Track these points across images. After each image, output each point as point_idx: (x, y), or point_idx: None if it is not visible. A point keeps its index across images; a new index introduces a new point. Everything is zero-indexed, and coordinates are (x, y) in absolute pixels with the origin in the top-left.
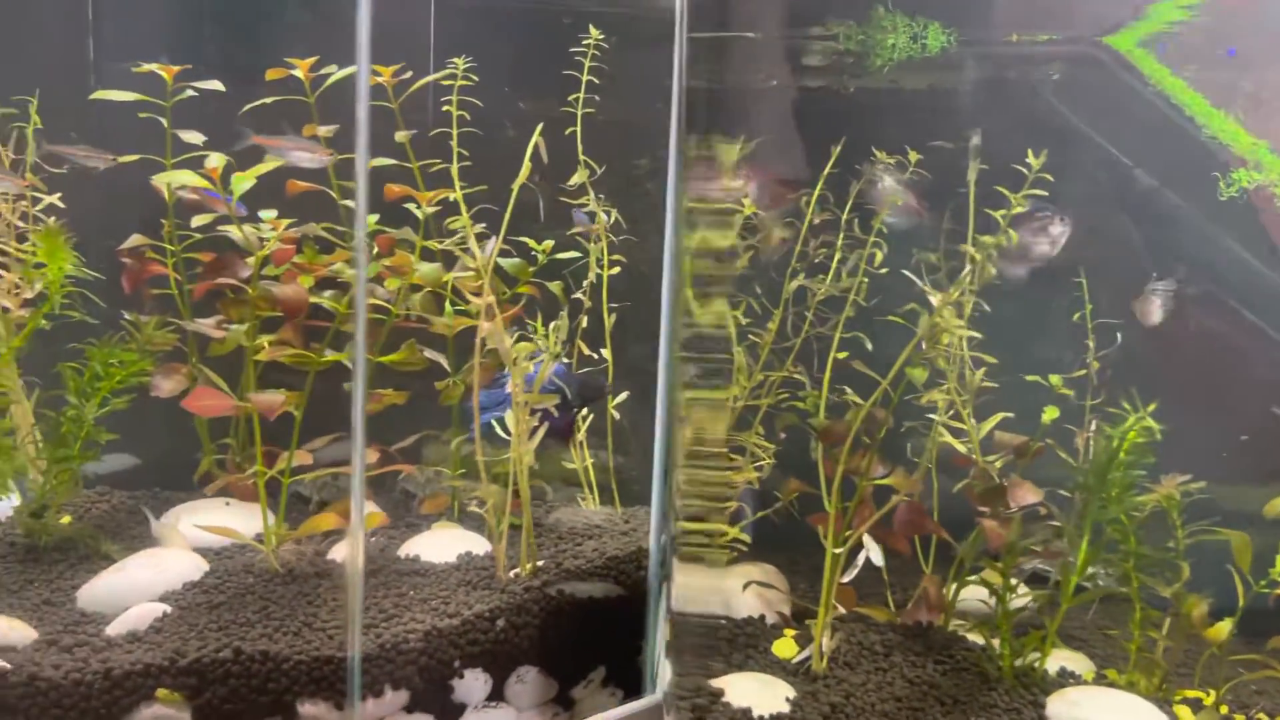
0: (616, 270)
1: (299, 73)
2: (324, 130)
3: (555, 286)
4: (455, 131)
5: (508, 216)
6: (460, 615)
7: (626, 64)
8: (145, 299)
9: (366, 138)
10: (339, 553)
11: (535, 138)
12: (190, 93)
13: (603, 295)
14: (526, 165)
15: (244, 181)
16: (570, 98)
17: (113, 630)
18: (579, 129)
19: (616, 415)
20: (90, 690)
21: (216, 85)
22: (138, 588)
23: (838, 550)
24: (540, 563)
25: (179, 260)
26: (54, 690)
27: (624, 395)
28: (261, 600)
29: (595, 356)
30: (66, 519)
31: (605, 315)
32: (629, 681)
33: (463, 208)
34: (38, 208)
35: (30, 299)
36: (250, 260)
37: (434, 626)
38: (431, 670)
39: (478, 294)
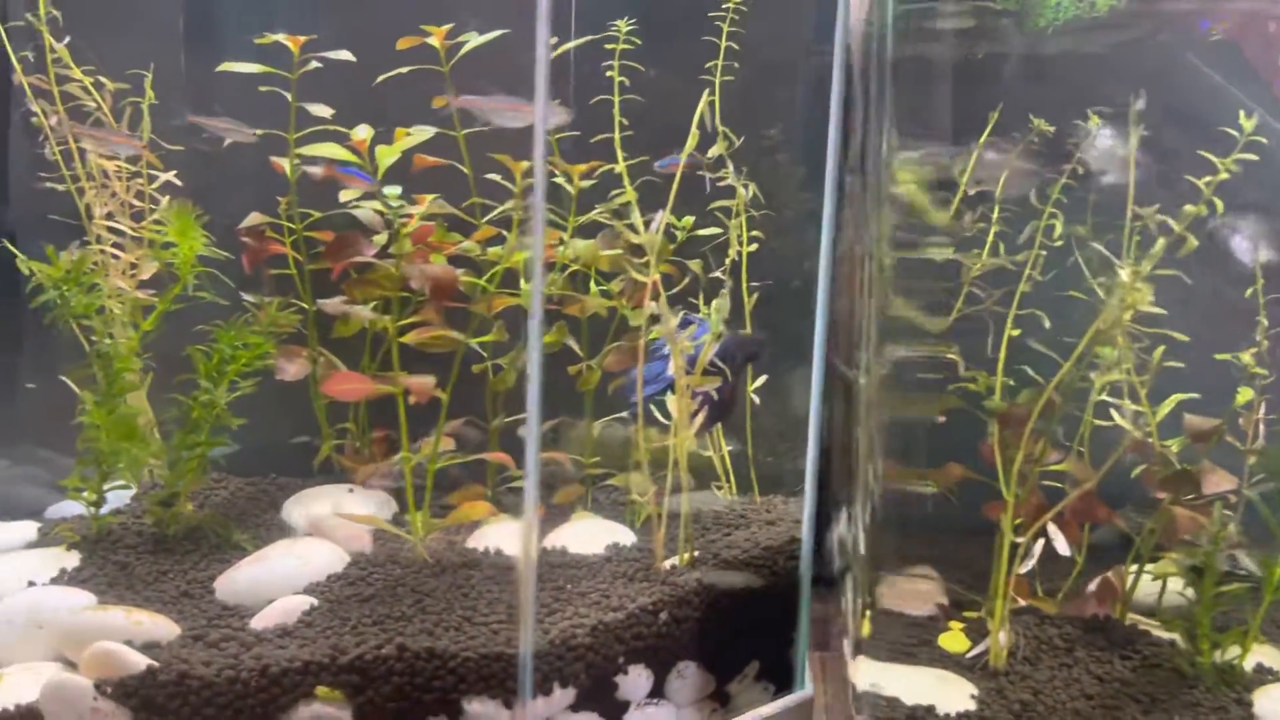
0: (755, 247)
1: (434, 41)
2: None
3: (695, 265)
4: (617, 99)
5: (674, 190)
6: (624, 609)
7: (756, 29)
8: (265, 279)
9: (544, 105)
10: (479, 542)
11: (702, 105)
12: (315, 64)
13: (742, 274)
14: (694, 134)
15: (389, 156)
16: (707, 65)
17: (258, 624)
18: (716, 98)
19: (756, 400)
20: (246, 688)
21: (346, 55)
22: (280, 579)
23: (1018, 540)
24: (695, 553)
25: (300, 239)
26: (206, 689)
27: (762, 380)
28: (414, 593)
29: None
30: (189, 507)
31: (745, 295)
32: (781, 676)
33: (626, 181)
34: (153, 185)
35: (145, 280)
36: (376, 239)
37: (600, 621)
38: (598, 666)
39: (631, 272)
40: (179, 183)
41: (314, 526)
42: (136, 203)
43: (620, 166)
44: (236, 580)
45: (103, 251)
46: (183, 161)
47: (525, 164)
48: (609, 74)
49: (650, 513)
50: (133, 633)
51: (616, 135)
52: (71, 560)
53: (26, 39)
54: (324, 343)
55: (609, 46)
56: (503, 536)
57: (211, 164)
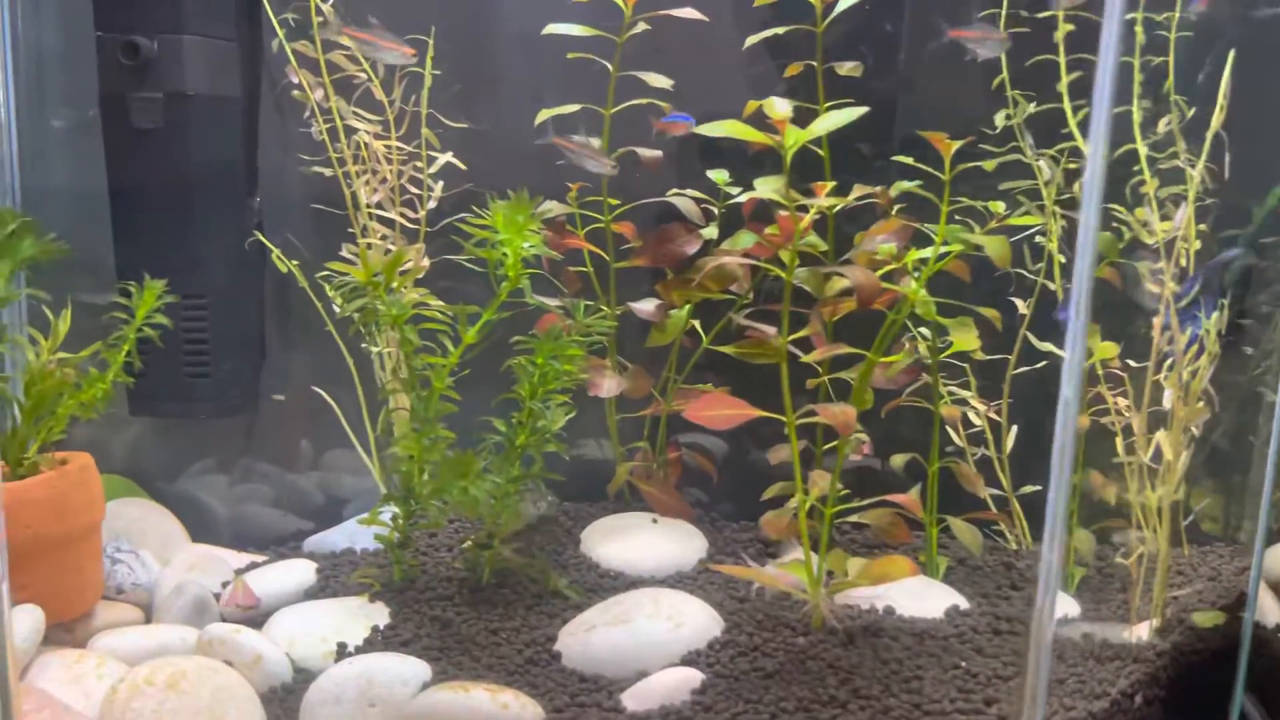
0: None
1: None
2: (847, 68)
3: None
4: (1138, 58)
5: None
6: (1107, 695)
7: None
8: (567, 279)
9: (1111, 83)
10: (852, 596)
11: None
12: (643, 27)
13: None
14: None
15: (800, 139)
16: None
17: (634, 704)
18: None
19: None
20: None
21: (692, 13)
22: (650, 646)
23: None
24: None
25: (606, 232)
26: None
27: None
28: (832, 669)
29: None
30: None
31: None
32: None
33: (1144, 165)
34: (433, 167)
35: (420, 278)
36: (705, 232)
37: (1088, 712)
38: None
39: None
40: (461, 165)
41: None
42: (411, 189)
43: (1139, 145)
44: (592, 645)
45: (370, 245)
46: (457, 140)
47: (955, 143)
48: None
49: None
50: (499, 717)
51: (1135, 109)
52: (378, 614)
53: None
54: (638, 354)
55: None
56: (897, 593)
57: (487, 142)
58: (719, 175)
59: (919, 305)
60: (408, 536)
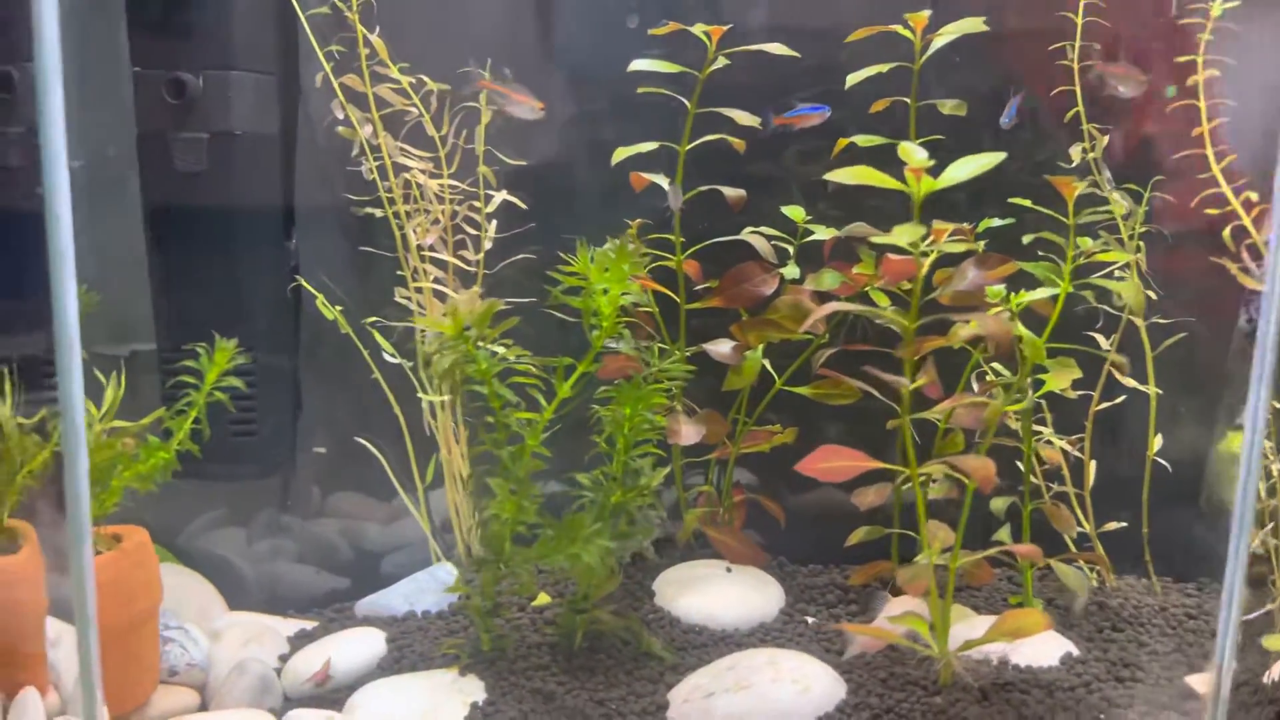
0: None
1: (910, 31)
2: (950, 105)
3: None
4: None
5: None
6: None
7: None
8: (640, 321)
9: None
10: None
11: None
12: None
13: None
14: None
15: (931, 187)
16: None
17: None
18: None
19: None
20: None
21: (778, 48)
22: (777, 712)
23: None
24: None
25: (677, 272)
26: None
27: None
28: None
29: None
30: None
31: None
32: None
33: None
34: (489, 206)
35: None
36: (787, 271)
37: None
38: None
39: None
40: (522, 204)
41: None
42: (468, 229)
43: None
44: (714, 714)
45: (419, 289)
46: (516, 179)
47: (1079, 185)
48: None
49: None
50: None
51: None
52: (472, 689)
53: (329, 29)
54: (703, 395)
55: None
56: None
57: (547, 179)
58: (795, 212)
59: (1028, 348)
60: (496, 603)
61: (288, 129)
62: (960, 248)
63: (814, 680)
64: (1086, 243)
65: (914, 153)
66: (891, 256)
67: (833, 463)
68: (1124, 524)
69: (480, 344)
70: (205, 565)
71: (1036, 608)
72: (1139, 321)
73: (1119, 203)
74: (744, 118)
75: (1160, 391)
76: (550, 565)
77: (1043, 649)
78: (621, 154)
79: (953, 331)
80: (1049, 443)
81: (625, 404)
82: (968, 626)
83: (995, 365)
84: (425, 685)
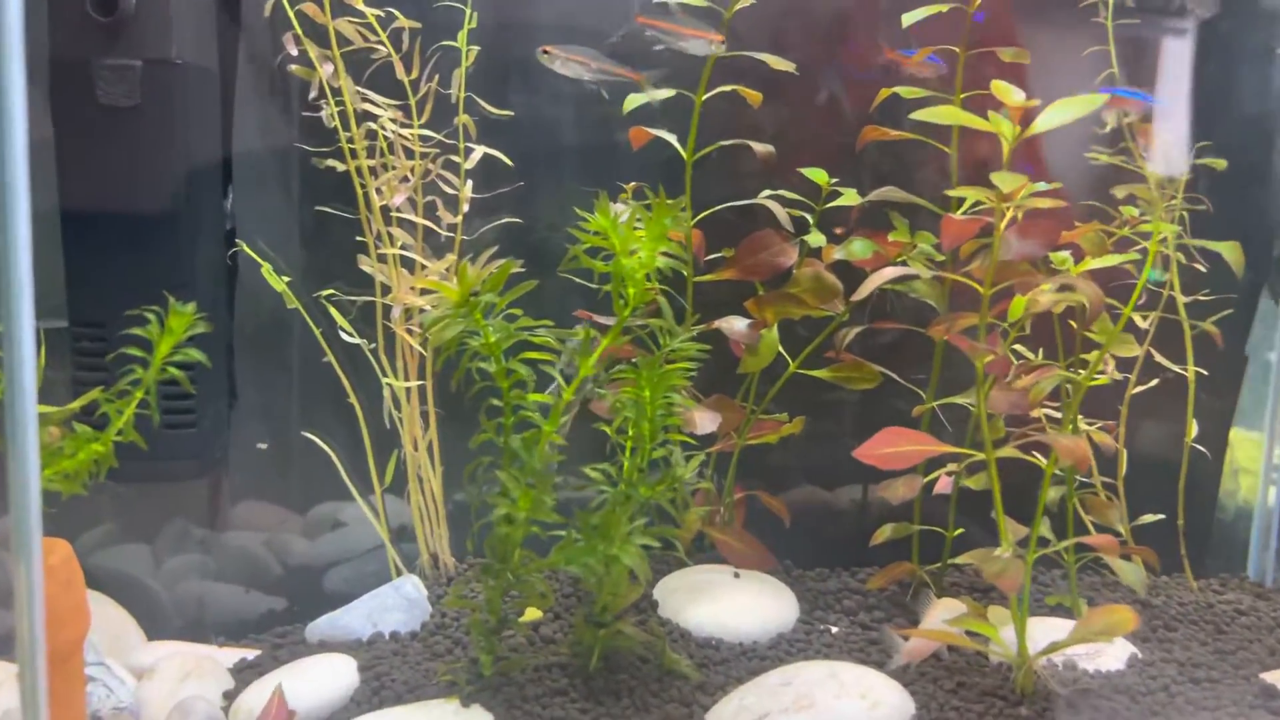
0: None
1: None
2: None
3: None
4: None
5: None
6: None
7: None
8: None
9: None
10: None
11: None
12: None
13: None
14: None
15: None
16: None
17: None
18: None
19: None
20: None
21: None
22: None
23: None
24: None
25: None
26: None
27: None
28: None
29: None
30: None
31: None
32: None
33: None
34: (469, 160)
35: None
36: (810, 238)
37: None
38: None
39: None
40: (508, 161)
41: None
42: (448, 188)
43: None
44: None
45: (381, 256)
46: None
47: None
48: None
49: None
50: None
51: None
52: None
53: None
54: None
55: None
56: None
57: (535, 135)
58: (818, 174)
59: (1096, 323)
60: (502, 618)
61: (227, 62)
62: (1046, 204)
63: (881, 694)
64: (1131, 211)
65: (1011, 92)
66: (953, 216)
67: (897, 447)
68: (1161, 516)
69: (489, 313)
70: (110, 586)
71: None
72: (1180, 297)
73: (1154, 173)
74: (778, 62)
75: (1194, 373)
76: (565, 571)
77: (1106, 652)
78: (633, 102)
79: (1033, 299)
80: (1100, 430)
81: (645, 386)
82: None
83: (1017, 347)
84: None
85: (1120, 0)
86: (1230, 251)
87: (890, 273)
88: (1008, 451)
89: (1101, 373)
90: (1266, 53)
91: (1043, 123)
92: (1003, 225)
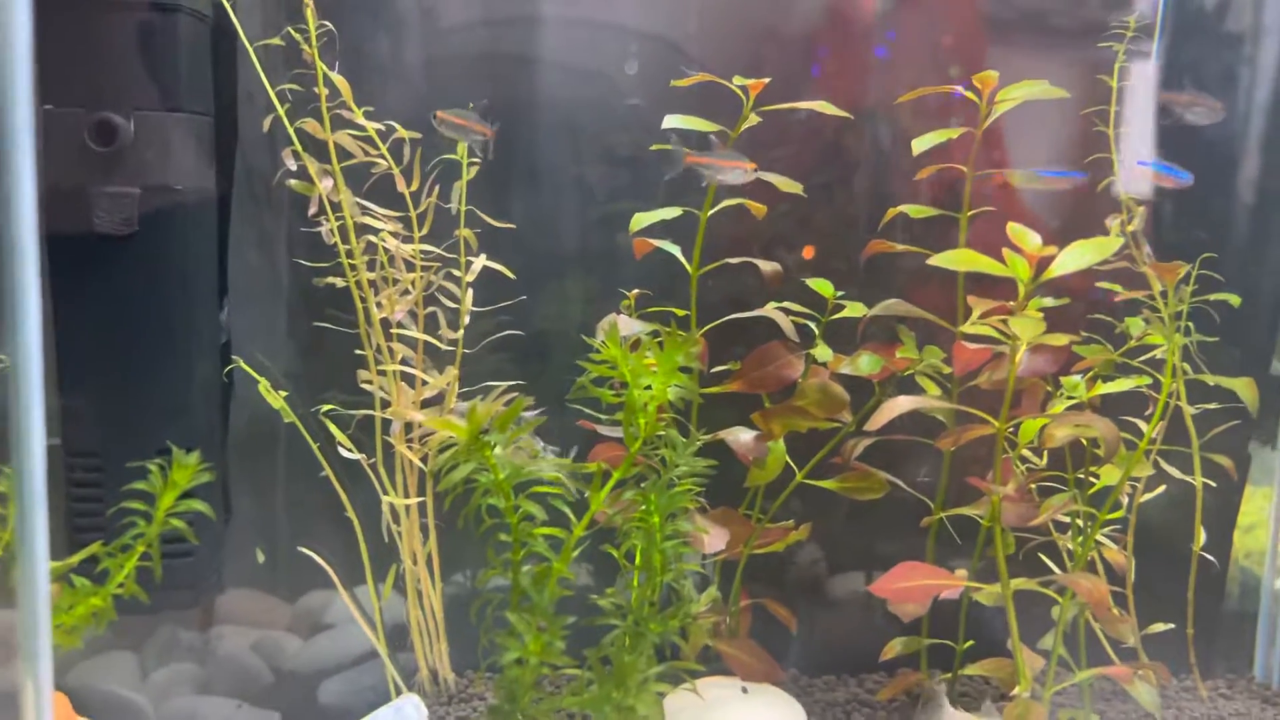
0: None
1: (976, 95)
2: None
3: None
4: None
5: None
6: None
7: None
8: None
9: None
10: None
11: None
12: None
13: None
14: None
15: (1050, 273)
16: None
17: None
18: None
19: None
20: None
21: (830, 108)
22: None
23: None
24: None
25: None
26: None
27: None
28: None
29: None
30: None
31: None
32: None
33: None
34: (470, 274)
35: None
36: (818, 352)
37: None
38: None
39: None
40: (510, 274)
41: None
42: (444, 300)
43: None
44: None
45: (382, 371)
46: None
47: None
48: None
49: None
50: None
51: None
52: None
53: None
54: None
55: None
56: None
57: (530, 242)
58: (823, 286)
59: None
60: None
61: (224, 181)
62: (1063, 341)
63: None
64: (1137, 324)
65: (1028, 237)
66: (965, 344)
67: (913, 581)
68: (1170, 625)
69: (500, 449)
70: (91, 704)
71: None
72: (1187, 409)
73: (1156, 280)
74: (785, 183)
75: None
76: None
77: None
78: (640, 220)
79: (1048, 432)
80: (1109, 545)
81: (654, 511)
82: None
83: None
84: None
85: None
86: (1245, 389)
87: (905, 404)
88: (1023, 583)
89: (1118, 504)
90: None
91: (1060, 265)
92: (1017, 360)
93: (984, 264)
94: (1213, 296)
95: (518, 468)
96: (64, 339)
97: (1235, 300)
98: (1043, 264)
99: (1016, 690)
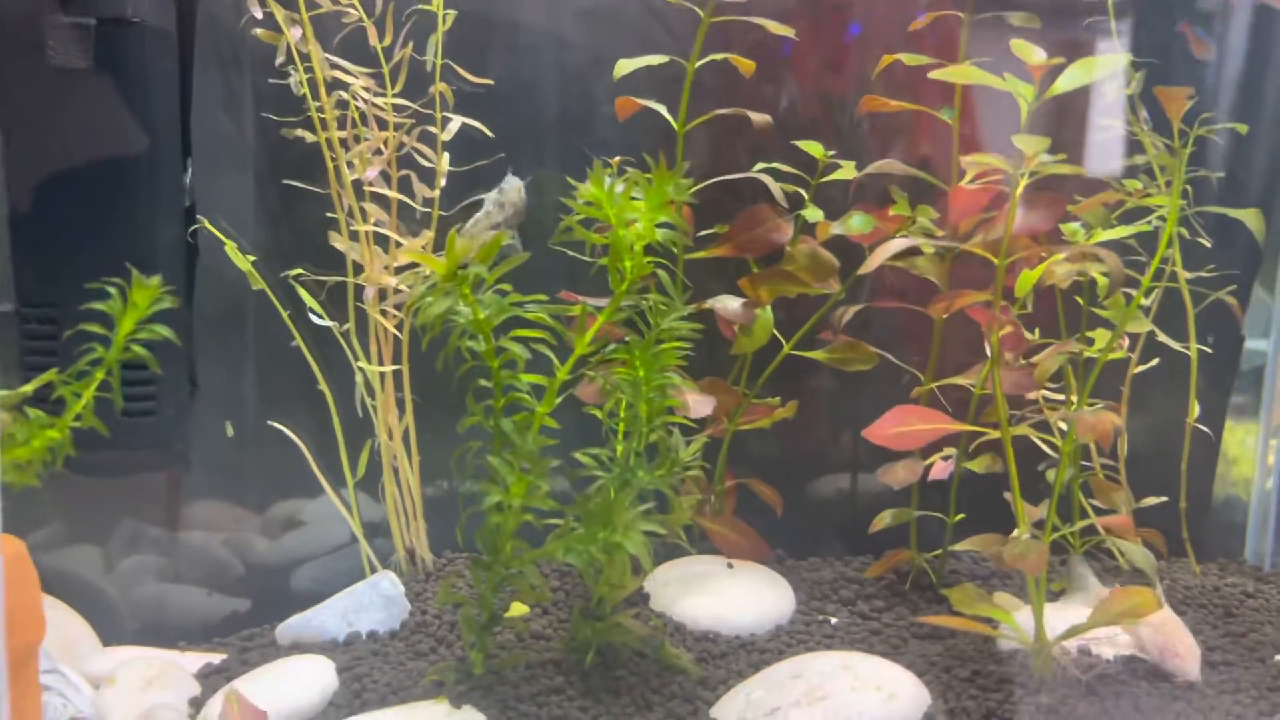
0: None
1: None
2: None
3: None
4: None
5: None
6: None
7: None
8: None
9: None
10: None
11: None
12: None
13: None
14: None
15: (1053, 91)
16: None
17: None
18: None
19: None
20: None
21: None
22: None
23: None
24: None
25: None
26: None
27: None
28: None
29: None
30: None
31: None
32: None
33: None
34: (446, 131)
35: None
36: (809, 214)
37: None
38: None
39: None
40: (489, 132)
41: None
42: (422, 160)
43: None
44: None
45: (355, 233)
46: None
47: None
48: None
49: None
50: None
51: None
52: None
53: None
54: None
55: None
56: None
57: (509, 105)
58: (814, 147)
59: (1115, 302)
60: (494, 614)
61: (186, 24)
62: (1066, 170)
63: (898, 685)
64: (1135, 185)
65: (1033, 51)
66: (964, 186)
67: (909, 426)
68: (1164, 499)
69: (479, 288)
70: (61, 588)
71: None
72: (1183, 274)
73: (1156, 146)
74: (776, 27)
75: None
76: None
77: (1116, 636)
78: (624, 68)
79: (1046, 269)
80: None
81: (640, 366)
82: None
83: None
84: None
85: None
86: (1253, 219)
87: (897, 245)
88: (1023, 430)
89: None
90: None
91: (1064, 83)
92: (1019, 191)
93: (984, 78)
94: (1219, 126)
95: (499, 305)
96: (14, 182)
97: (1242, 128)
98: (1047, 79)
99: (1015, 533)
